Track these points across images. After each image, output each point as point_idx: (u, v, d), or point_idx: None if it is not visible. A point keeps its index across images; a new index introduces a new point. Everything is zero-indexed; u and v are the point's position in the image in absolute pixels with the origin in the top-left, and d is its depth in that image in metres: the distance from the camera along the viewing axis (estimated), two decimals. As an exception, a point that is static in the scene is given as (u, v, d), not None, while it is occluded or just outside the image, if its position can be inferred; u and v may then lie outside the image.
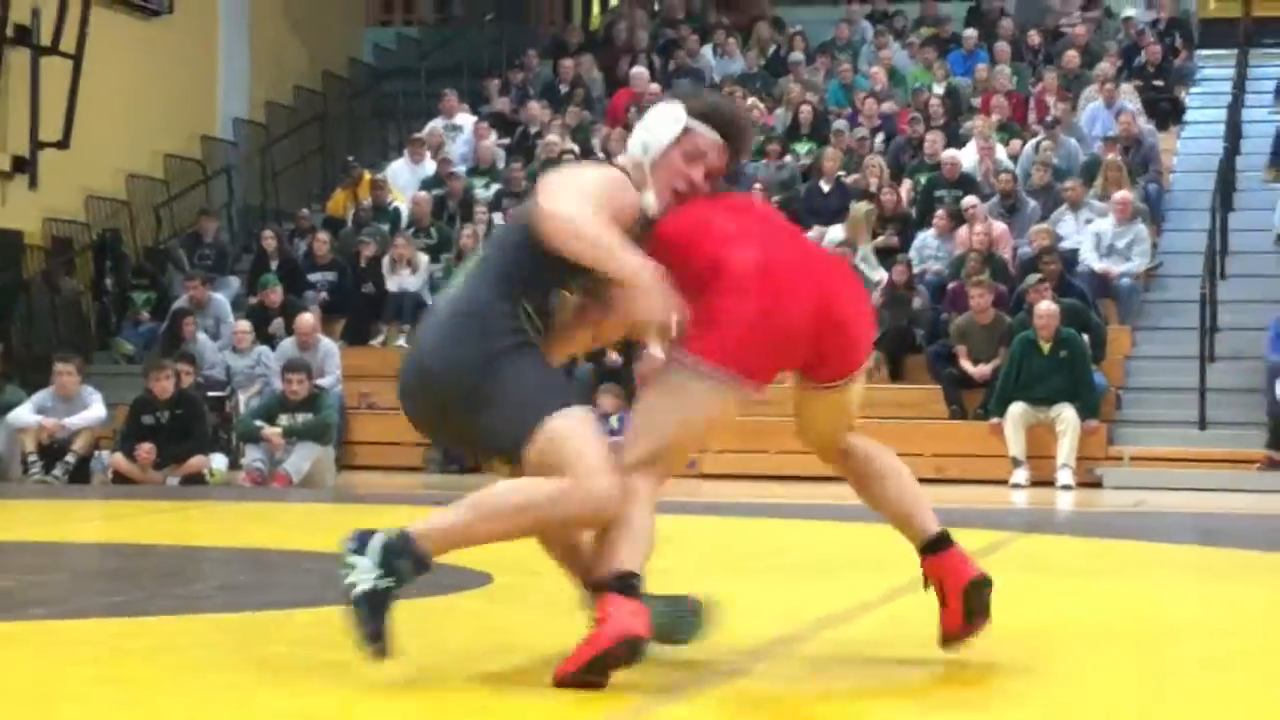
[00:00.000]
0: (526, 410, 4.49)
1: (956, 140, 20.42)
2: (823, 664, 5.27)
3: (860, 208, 18.94)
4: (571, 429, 4.49)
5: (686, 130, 4.96)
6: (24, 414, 15.54)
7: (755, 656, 5.23)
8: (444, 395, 4.64)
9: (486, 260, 4.84)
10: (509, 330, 4.63)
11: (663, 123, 4.99)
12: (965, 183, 19.28)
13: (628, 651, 4.41)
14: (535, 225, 4.67)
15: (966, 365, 16.73)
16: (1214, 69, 23.95)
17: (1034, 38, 23.60)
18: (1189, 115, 22.78)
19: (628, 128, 21.81)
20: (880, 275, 18.06)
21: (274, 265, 19.72)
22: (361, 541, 4.55)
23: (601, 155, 21.29)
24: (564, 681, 4.43)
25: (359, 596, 4.47)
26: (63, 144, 20.94)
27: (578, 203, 4.63)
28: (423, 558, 4.51)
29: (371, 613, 4.45)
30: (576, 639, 4.49)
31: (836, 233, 18.80)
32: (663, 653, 4.86)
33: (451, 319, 4.70)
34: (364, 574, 4.49)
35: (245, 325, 18.05)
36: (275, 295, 18.76)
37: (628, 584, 4.51)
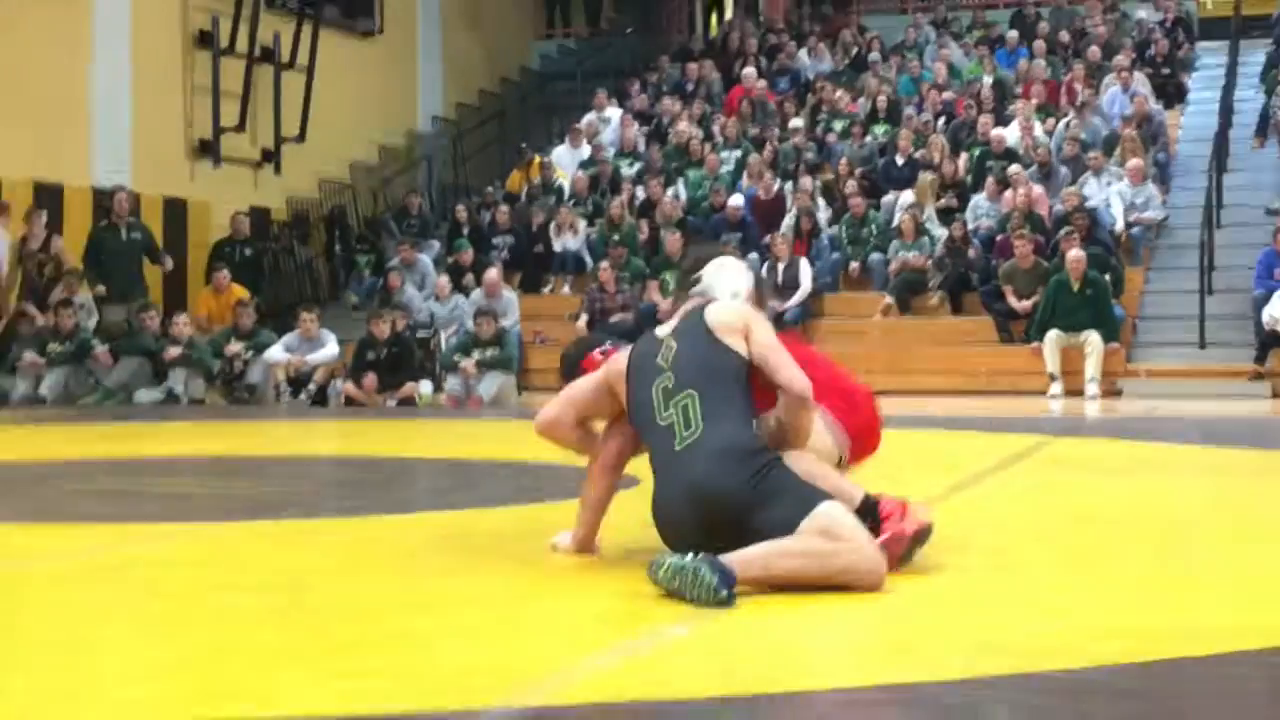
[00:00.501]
0: (802, 502, 4.47)
1: (1003, 121, 20.22)
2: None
3: (925, 177, 18.85)
4: (841, 511, 4.48)
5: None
6: (276, 352, 15.77)
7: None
8: (719, 516, 4.46)
9: (720, 398, 4.67)
10: (763, 449, 4.61)
11: (741, 274, 5.09)
12: (1009, 155, 19.10)
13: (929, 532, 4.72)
14: (760, 367, 4.73)
15: (1012, 301, 16.60)
16: (1211, 58, 23.54)
17: (1064, 36, 23.28)
18: (1191, 96, 22.41)
19: (742, 118, 21.79)
20: (941, 231, 17.98)
21: (465, 231, 19.84)
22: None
23: (720, 139, 21.24)
24: (898, 555, 4.61)
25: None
26: (300, 139, 21.17)
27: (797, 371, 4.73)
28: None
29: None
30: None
31: (907, 197, 18.72)
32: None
33: (725, 455, 4.52)
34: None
35: (444, 280, 18.19)
36: (467, 256, 18.89)
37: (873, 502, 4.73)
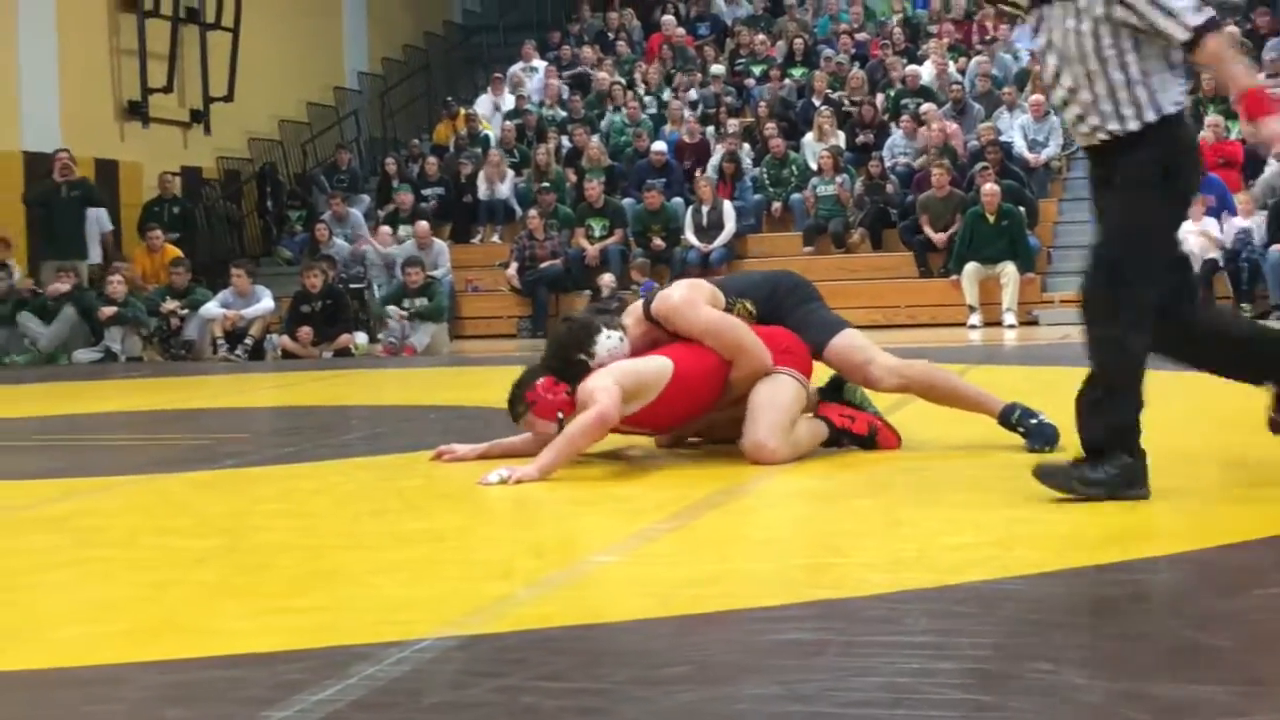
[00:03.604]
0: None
1: (916, 61, 20.29)
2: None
3: (821, 113, 18.88)
4: None
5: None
6: (211, 308, 15.67)
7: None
8: None
9: None
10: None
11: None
12: (924, 93, 19.18)
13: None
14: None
15: (929, 232, 16.71)
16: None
17: (975, -25, 23.35)
18: (1098, 31, 22.51)
19: (663, 62, 21.75)
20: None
21: (395, 183, 19.77)
22: None
23: (641, 86, 21.21)
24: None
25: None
26: (228, 98, 20.97)
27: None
28: None
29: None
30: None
31: (809, 139, 18.77)
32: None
33: None
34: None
35: (387, 229, 18.20)
36: (407, 198, 18.90)
37: None
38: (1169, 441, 6.33)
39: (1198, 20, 4.41)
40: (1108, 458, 4.43)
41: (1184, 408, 7.30)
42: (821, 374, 5.88)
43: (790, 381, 5.52)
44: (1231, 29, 4.80)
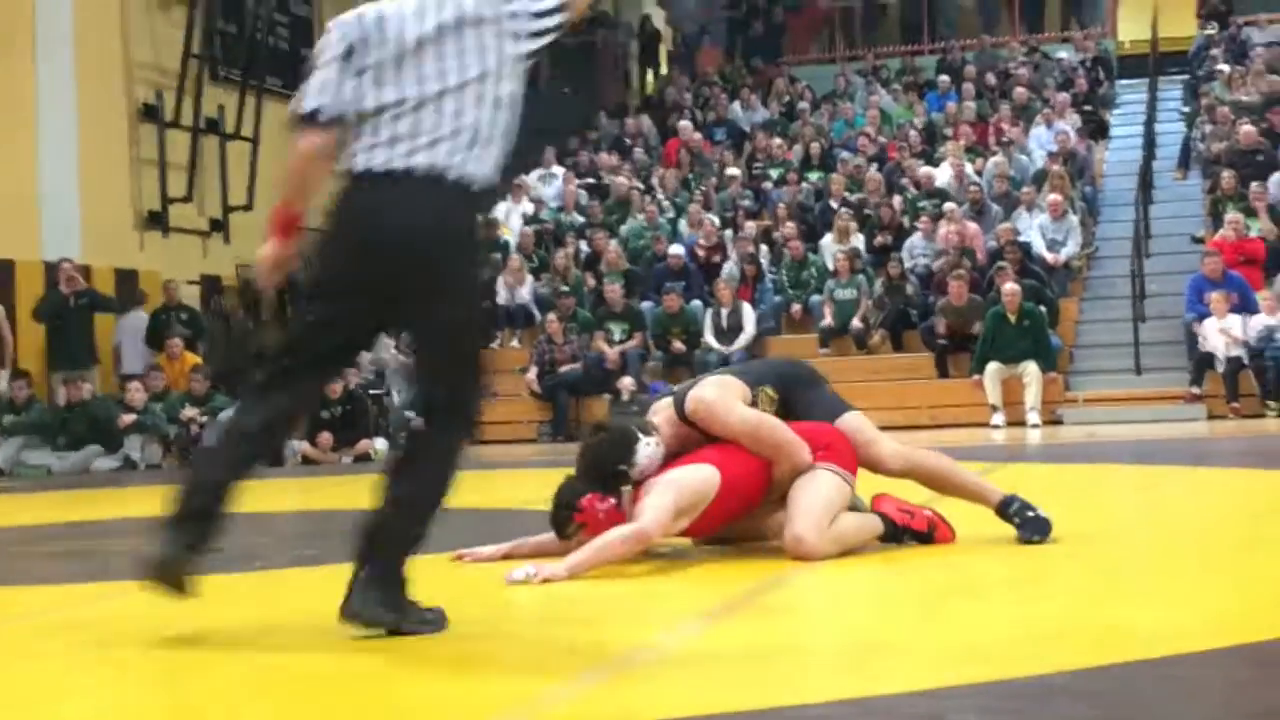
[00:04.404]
0: None
1: (932, 163, 20.36)
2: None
3: (841, 215, 18.92)
4: None
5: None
6: (231, 413, 15.61)
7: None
8: None
9: None
10: None
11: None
12: (940, 194, 19.21)
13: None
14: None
15: (946, 332, 16.63)
16: (1131, 94, 23.82)
17: (990, 79, 23.48)
18: (1114, 131, 22.65)
19: (680, 167, 21.85)
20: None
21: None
22: None
23: (660, 191, 21.29)
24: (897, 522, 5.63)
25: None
26: (248, 207, 21.07)
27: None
28: None
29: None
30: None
31: (828, 240, 18.79)
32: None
33: None
34: None
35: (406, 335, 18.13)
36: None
37: None
38: (1219, 533, 6.26)
39: (302, 108, 4.18)
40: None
41: (1234, 500, 7.21)
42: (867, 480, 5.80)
43: (829, 476, 5.45)
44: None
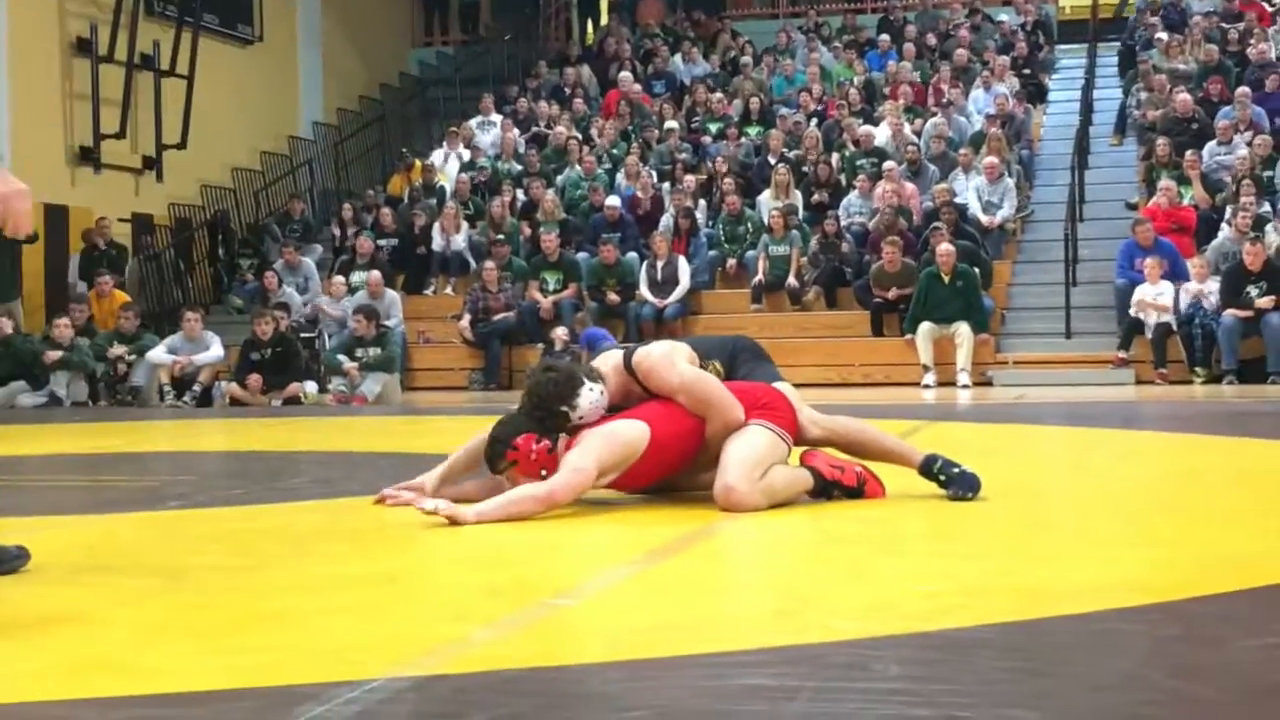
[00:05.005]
0: None
1: (871, 122, 20.35)
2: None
3: (779, 170, 18.89)
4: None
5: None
6: (159, 353, 15.49)
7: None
8: None
9: None
10: None
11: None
12: (879, 154, 19.21)
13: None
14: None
15: (880, 292, 16.65)
16: (1070, 59, 23.90)
17: (931, 39, 23.48)
18: (1052, 95, 22.71)
19: (619, 118, 21.75)
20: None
21: (353, 230, 19.67)
22: None
23: (598, 140, 21.20)
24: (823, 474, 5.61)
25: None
26: (181, 145, 20.83)
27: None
28: None
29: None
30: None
31: (765, 195, 18.77)
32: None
33: None
34: None
35: (340, 279, 18.02)
36: (367, 244, 18.75)
37: None
38: (1144, 494, 6.29)
39: None
40: None
41: (1160, 464, 7.25)
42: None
43: (763, 431, 5.45)
44: None
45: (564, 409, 5.38)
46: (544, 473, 5.29)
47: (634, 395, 5.59)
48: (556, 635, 3.47)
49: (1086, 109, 21.08)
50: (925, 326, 15.89)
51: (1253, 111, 18.66)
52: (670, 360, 5.55)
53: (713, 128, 21.31)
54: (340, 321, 17.24)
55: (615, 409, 5.54)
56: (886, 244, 16.59)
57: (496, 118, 22.59)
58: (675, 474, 5.59)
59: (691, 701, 2.78)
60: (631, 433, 5.39)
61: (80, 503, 6.37)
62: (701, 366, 5.69)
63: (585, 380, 5.44)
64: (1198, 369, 15.35)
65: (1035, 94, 22.08)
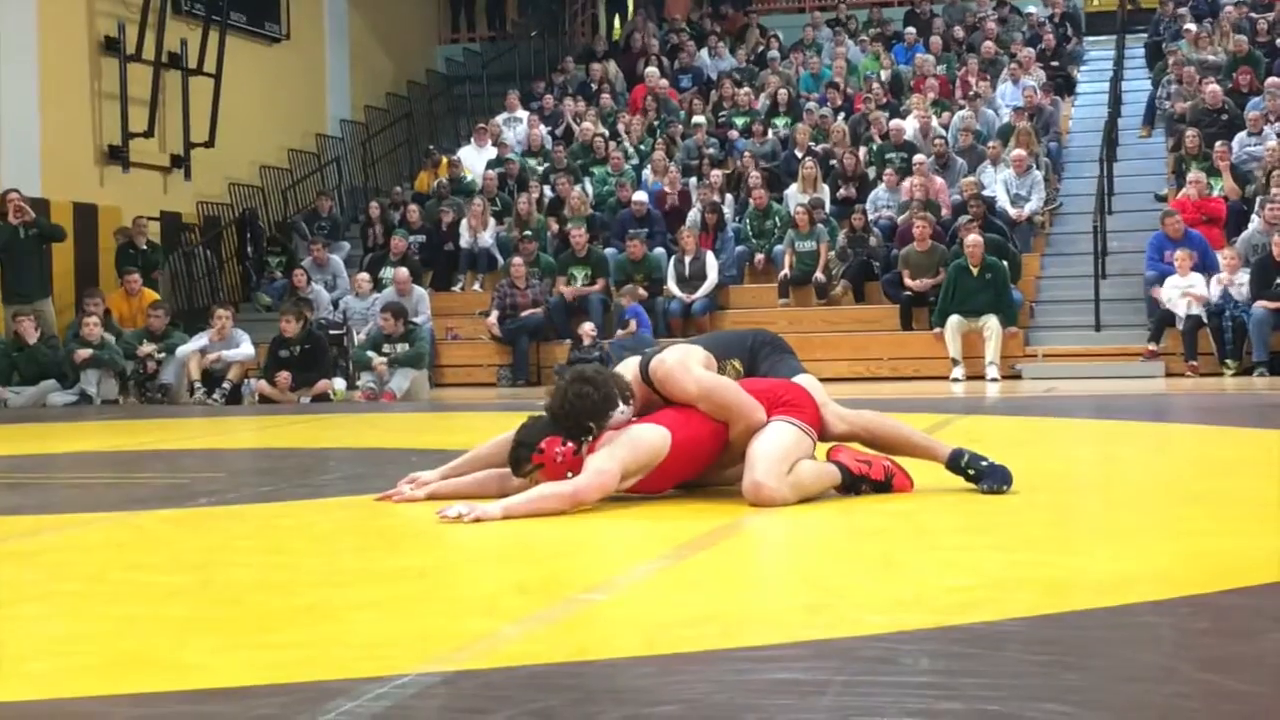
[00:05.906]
0: None
1: (899, 115, 20.30)
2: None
3: (805, 165, 18.86)
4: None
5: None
6: (189, 349, 15.54)
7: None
8: None
9: None
10: None
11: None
12: (908, 147, 19.17)
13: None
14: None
15: (910, 282, 16.64)
16: (1098, 51, 23.81)
17: (958, 32, 23.43)
18: (1080, 88, 22.63)
19: (645, 114, 21.74)
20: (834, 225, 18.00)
21: (378, 229, 19.69)
22: None
23: (626, 138, 21.20)
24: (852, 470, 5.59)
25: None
26: (209, 144, 20.88)
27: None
28: None
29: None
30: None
31: (793, 190, 18.74)
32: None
33: None
34: None
35: (364, 276, 18.03)
36: (401, 243, 18.72)
37: None
38: (1174, 487, 6.27)
39: None
40: None
41: (1190, 456, 7.22)
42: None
43: (788, 427, 5.45)
44: None
45: (593, 425, 5.40)
46: (569, 475, 5.30)
47: (654, 403, 5.60)
48: (586, 630, 3.48)
49: (1115, 101, 21.00)
50: (954, 320, 15.86)
51: (1282, 102, 18.57)
52: (685, 367, 5.54)
53: (739, 122, 21.30)
54: (367, 321, 17.27)
55: (635, 415, 5.56)
56: (918, 221, 16.57)
57: (523, 114, 22.61)
58: (696, 476, 5.62)
59: (721, 696, 2.79)
60: (654, 438, 5.41)
61: (111, 500, 6.40)
62: (720, 367, 5.70)
63: (620, 402, 5.46)
64: (1228, 361, 15.29)
65: (1063, 86, 22.01)
